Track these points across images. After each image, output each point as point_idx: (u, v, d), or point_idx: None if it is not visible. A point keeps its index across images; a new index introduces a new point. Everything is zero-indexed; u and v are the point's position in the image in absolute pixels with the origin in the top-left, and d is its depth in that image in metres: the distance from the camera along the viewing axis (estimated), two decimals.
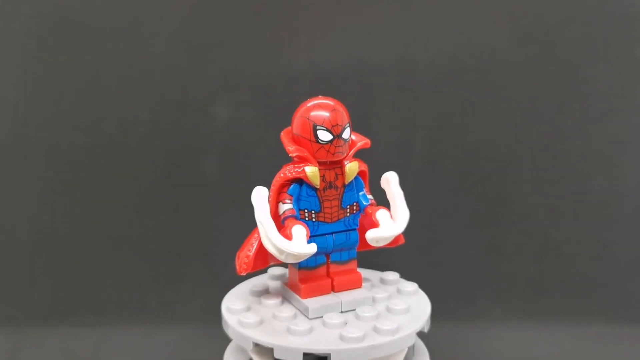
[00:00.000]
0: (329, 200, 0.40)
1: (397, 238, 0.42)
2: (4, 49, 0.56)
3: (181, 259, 0.59)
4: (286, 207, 0.39)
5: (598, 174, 0.58)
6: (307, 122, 0.39)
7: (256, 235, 0.40)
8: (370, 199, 0.42)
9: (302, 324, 0.38)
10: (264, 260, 0.42)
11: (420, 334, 0.42)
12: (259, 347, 0.39)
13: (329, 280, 0.42)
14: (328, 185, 0.40)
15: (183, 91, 0.57)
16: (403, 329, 0.39)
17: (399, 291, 0.44)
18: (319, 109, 0.39)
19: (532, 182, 0.59)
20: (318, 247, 0.39)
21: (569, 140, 0.58)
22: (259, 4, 0.56)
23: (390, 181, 0.42)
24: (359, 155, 0.42)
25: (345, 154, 0.40)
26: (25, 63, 0.56)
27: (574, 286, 0.59)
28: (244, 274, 0.40)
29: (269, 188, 0.39)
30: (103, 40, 0.56)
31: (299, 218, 0.39)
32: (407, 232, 0.43)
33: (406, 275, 0.47)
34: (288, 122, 0.41)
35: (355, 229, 0.42)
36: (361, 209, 0.42)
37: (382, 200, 0.43)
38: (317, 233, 0.40)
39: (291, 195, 0.40)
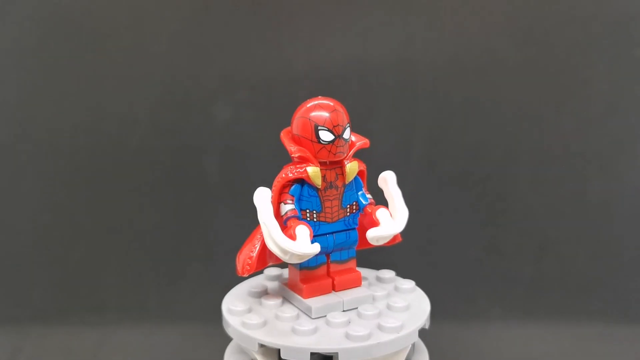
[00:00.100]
0: (330, 200, 0.41)
1: (395, 236, 0.42)
2: (4, 49, 0.56)
3: (182, 258, 0.59)
4: (288, 207, 0.39)
5: (597, 174, 0.58)
6: (309, 123, 0.39)
7: (258, 236, 0.40)
8: (370, 198, 0.42)
9: (306, 323, 0.39)
10: (264, 260, 0.42)
11: (420, 333, 0.42)
12: (264, 348, 0.39)
13: (330, 280, 0.42)
14: (329, 185, 0.40)
15: (183, 91, 0.57)
16: (407, 326, 0.39)
17: (396, 289, 0.45)
18: (320, 110, 0.39)
19: (531, 182, 0.59)
20: (320, 247, 0.39)
21: (569, 140, 0.58)
22: (259, 4, 0.56)
23: (387, 180, 0.43)
24: (358, 155, 0.42)
25: (345, 154, 0.41)
26: (26, 63, 0.57)
27: (574, 286, 0.59)
28: (246, 275, 0.40)
29: (269, 188, 0.39)
30: (103, 41, 0.56)
31: (300, 218, 0.40)
32: (406, 232, 0.43)
33: (406, 275, 0.47)
34: (288, 122, 0.41)
35: (354, 228, 0.42)
36: (360, 208, 0.42)
37: (380, 200, 0.43)
38: (318, 233, 0.40)
39: (293, 196, 0.40)
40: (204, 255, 0.59)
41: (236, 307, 0.41)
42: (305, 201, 0.40)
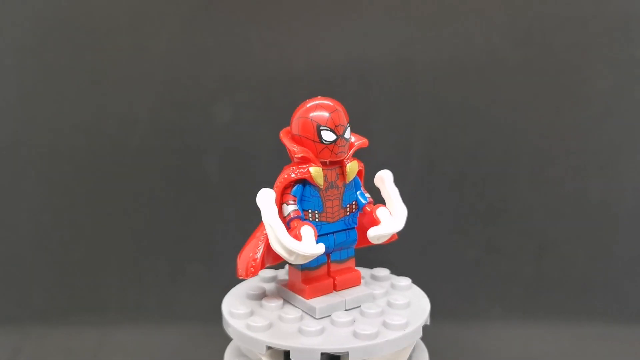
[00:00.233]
0: (331, 200, 0.41)
1: (392, 235, 0.43)
2: (5, 49, 0.56)
3: (182, 258, 0.59)
4: (291, 208, 0.39)
5: (597, 174, 0.58)
6: (311, 123, 0.39)
7: (262, 237, 0.40)
8: (368, 197, 0.42)
9: (313, 324, 0.39)
10: (265, 262, 0.42)
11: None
12: (271, 350, 0.38)
13: (331, 280, 0.42)
14: (330, 185, 0.40)
15: (184, 92, 0.57)
16: (412, 323, 0.40)
17: (393, 286, 0.45)
18: (322, 110, 0.39)
19: (531, 182, 0.59)
20: (324, 247, 0.39)
21: (568, 140, 0.58)
22: (259, 4, 0.56)
23: (384, 179, 0.43)
24: (355, 154, 0.42)
25: (346, 154, 0.41)
26: (26, 63, 0.57)
27: (573, 286, 0.59)
28: (250, 277, 0.40)
29: (270, 189, 0.39)
30: (104, 41, 0.56)
31: (303, 218, 0.40)
32: (406, 232, 0.43)
33: (406, 275, 0.47)
34: (288, 122, 0.41)
35: (354, 228, 0.42)
36: (360, 207, 0.42)
37: (377, 199, 0.43)
38: (320, 233, 0.40)
39: (295, 197, 0.40)
40: (204, 255, 0.59)
41: (238, 310, 0.41)
42: (307, 201, 0.40)
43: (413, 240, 0.57)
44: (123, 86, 0.57)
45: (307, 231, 0.38)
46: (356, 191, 0.42)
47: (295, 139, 0.40)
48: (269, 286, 0.45)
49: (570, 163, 0.58)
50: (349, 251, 0.43)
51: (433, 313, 0.42)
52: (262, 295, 0.43)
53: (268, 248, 0.39)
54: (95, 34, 0.56)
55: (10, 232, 0.59)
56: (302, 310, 0.41)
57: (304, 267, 0.41)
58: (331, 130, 0.39)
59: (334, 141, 0.39)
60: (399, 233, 0.42)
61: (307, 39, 0.56)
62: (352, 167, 0.41)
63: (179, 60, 0.57)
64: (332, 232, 0.41)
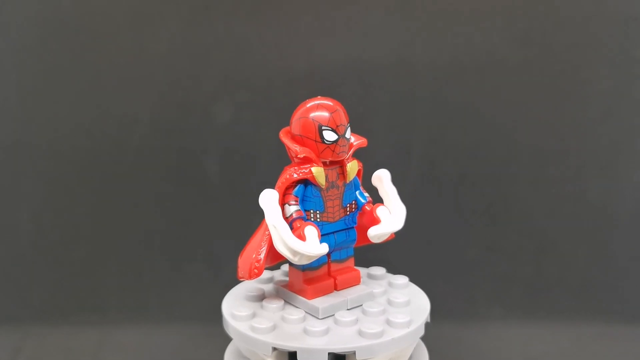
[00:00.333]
0: (332, 200, 0.41)
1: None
2: (5, 49, 0.56)
3: (182, 258, 0.59)
4: (293, 208, 0.39)
5: (596, 174, 0.58)
6: (312, 123, 0.39)
7: (265, 238, 0.40)
8: (368, 197, 0.43)
9: (318, 324, 0.39)
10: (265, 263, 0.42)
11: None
12: (276, 352, 0.38)
13: (332, 280, 0.42)
14: (330, 185, 0.41)
15: (184, 92, 0.57)
16: (415, 320, 0.40)
17: (391, 285, 0.45)
18: (323, 110, 0.39)
19: (530, 182, 0.59)
20: (328, 247, 0.39)
21: (568, 140, 0.58)
22: (259, 4, 0.56)
23: (382, 178, 0.43)
24: (355, 154, 0.42)
25: (347, 153, 0.41)
26: (26, 63, 0.57)
27: (573, 286, 0.60)
28: (254, 278, 0.40)
29: (271, 189, 0.39)
30: (104, 42, 0.56)
31: (305, 219, 0.40)
32: (406, 232, 0.43)
33: (407, 275, 0.47)
34: (288, 123, 0.41)
35: (353, 227, 0.42)
36: (359, 206, 0.42)
37: (376, 198, 0.43)
38: (322, 233, 0.40)
39: (297, 197, 0.40)
40: (204, 255, 0.59)
41: (240, 312, 0.40)
42: (309, 202, 0.40)
43: (413, 240, 0.57)
44: (123, 86, 0.57)
45: (311, 231, 0.38)
46: (355, 191, 0.42)
47: (296, 139, 0.40)
48: (268, 287, 0.45)
49: (570, 163, 0.58)
50: (349, 251, 0.43)
51: (433, 313, 0.42)
52: (262, 297, 0.43)
53: (270, 249, 0.39)
54: (96, 34, 0.56)
55: (10, 232, 0.59)
56: (305, 311, 0.41)
57: (305, 268, 0.41)
58: (333, 130, 0.39)
59: (336, 141, 0.39)
60: (398, 232, 0.42)
61: (307, 39, 0.56)
62: (352, 167, 0.41)
63: (179, 60, 0.57)
64: (333, 232, 0.41)
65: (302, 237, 0.38)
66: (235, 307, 0.41)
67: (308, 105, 0.40)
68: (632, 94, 0.57)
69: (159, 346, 0.56)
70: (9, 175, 0.58)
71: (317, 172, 0.39)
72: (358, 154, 0.42)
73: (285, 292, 0.43)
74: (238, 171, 0.58)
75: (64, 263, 0.59)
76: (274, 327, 0.39)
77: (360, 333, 0.38)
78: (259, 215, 0.41)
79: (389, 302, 0.42)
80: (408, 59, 0.57)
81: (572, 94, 0.57)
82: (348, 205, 0.42)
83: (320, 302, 0.40)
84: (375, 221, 0.41)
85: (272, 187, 0.40)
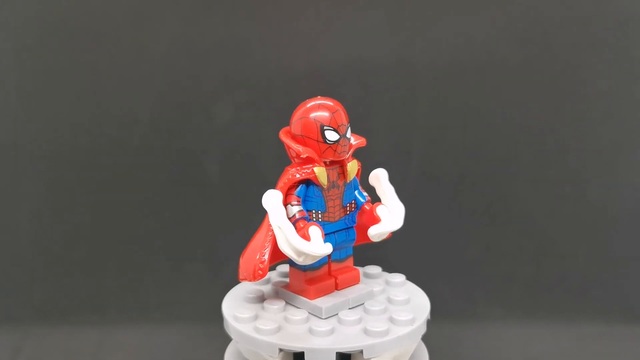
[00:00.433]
0: (333, 199, 0.41)
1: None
2: (4, 49, 0.56)
3: (182, 258, 0.59)
4: (296, 209, 0.39)
5: (596, 174, 0.59)
6: (314, 123, 0.39)
7: (268, 239, 0.39)
8: (366, 196, 0.43)
9: (323, 324, 0.39)
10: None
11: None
12: (282, 353, 0.38)
13: (333, 279, 0.42)
14: (331, 184, 0.41)
15: (184, 92, 0.57)
16: (418, 318, 0.40)
17: (388, 283, 0.45)
18: (324, 110, 0.40)
19: (530, 182, 0.59)
20: (332, 247, 0.39)
21: (568, 140, 0.58)
22: (259, 4, 0.56)
23: (380, 178, 0.43)
24: (355, 154, 0.42)
25: (347, 153, 0.41)
26: (26, 63, 0.57)
27: (573, 285, 0.60)
28: (258, 280, 0.40)
29: (273, 189, 0.39)
30: (104, 42, 0.56)
31: (308, 219, 0.40)
32: (406, 232, 0.43)
33: (406, 275, 0.47)
34: (288, 123, 0.41)
35: (353, 227, 0.42)
36: (358, 206, 0.42)
37: (374, 198, 0.43)
38: (324, 233, 0.41)
39: (299, 197, 0.40)
40: (204, 255, 0.59)
41: (242, 314, 0.40)
42: (311, 202, 0.40)
43: (413, 240, 0.57)
44: (123, 86, 0.57)
45: (315, 231, 0.38)
46: (354, 190, 0.42)
47: (297, 139, 0.40)
48: (266, 288, 0.45)
49: (570, 163, 0.58)
50: (348, 250, 0.43)
51: (433, 313, 0.42)
52: (262, 298, 0.43)
53: (274, 250, 0.39)
54: (96, 34, 0.56)
55: (10, 232, 0.59)
56: (307, 311, 0.41)
57: (306, 268, 0.41)
58: (334, 130, 0.39)
59: (337, 141, 0.39)
60: (398, 232, 0.42)
61: (307, 39, 0.56)
62: (353, 167, 0.41)
63: (179, 60, 0.57)
64: (334, 232, 0.41)
65: (306, 238, 0.38)
66: (236, 309, 0.41)
67: (309, 105, 0.40)
68: (632, 94, 0.57)
69: (159, 346, 0.56)
70: (8, 175, 0.58)
71: (320, 172, 0.39)
72: (357, 154, 0.42)
73: (286, 292, 0.42)
74: (238, 171, 0.58)
75: (64, 263, 0.59)
76: (279, 329, 0.39)
77: (366, 332, 0.38)
78: (259, 215, 0.41)
79: (389, 301, 0.43)
80: (408, 59, 0.57)
81: (572, 94, 0.57)
82: (348, 204, 0.42)
83: (323, 302, 0.40)
84: (376, 220, 0.41)
85: (273, 187, 0.40)
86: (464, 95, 0.57)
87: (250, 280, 0.39)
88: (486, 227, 0.59)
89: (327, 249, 0.38)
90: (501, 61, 0.57)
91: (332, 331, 0.38)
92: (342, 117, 0.40)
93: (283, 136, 0.41)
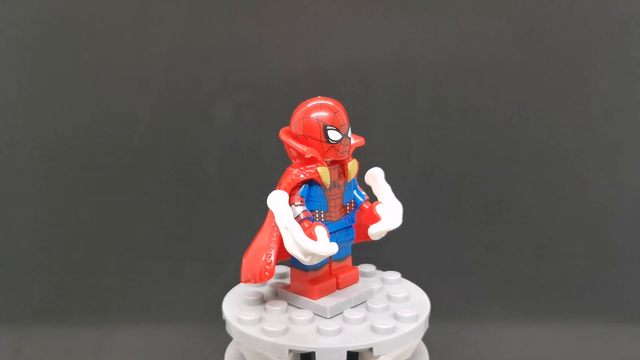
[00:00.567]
0: (334, 199, 0.41)
1: None
2: (5, 49, 0.56)
3: (182, 258, 0.59)
4: (300, 209, 0.39)
5: (596, 174, 0.58)
6: (317, 123, 0.39)
7: (274, 239, 0.39)
8: (365, 195, 0.43)
9: (331, 324, 0.39)
10: None
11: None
12: (291, 354, 0.38)
13: (334, 279, 0.42)
14: (333, 184, 0.41)
15: (184, 92, 0.57)
16: (421, 314, 0.41)
17: (384, 281, 0.46)
18: (326, 110, 0.40)
19: (530, 182, 0.59)
20: (337, 246, 0.39)
21: (568, 140, 0.58)
22: (259, 4, 0.56)
23: (377, 177, 0.43)
24: (354, 154, 0.42)
25: (348, 153, 0.41)
26: (26, 63, 0.57)
27: (573, 285, 0.60)
28: (265, 281, 0.39)
29: (271, 191, 0.39)
30: (104, 42, 0.56)
31: (312, 219, 0.40)
32: (406, 232, 0.43)
33: (406, 275, 0.47)
34: (288, 123, 0.41)
35: (352, 226, 0.43)
36: (357, 205, 0.42)
37: (370, 196, 0.43)
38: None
39: (303, 197, 0.40)
40: (204, 255, 0.59)
41: (247, 316, 0.40)
42: (314, 202, 0.40)
43: (413, 240, 0.57)
44: (123, 86, 0.57)
45: (322, 231, 0.38)
46: (353, 189, 0.43)
47: (299, 139, 0.40)
48: (264, 290, 0.44)
49: (570, 163, 0.58)
50: (347, 249, 0.43)
51: (433, 313, 0.42)
52: (262, 300, 0.43)
53: (279, 250, 0.39)
54: (96, 34, 0.56)
55: (10, 232, 0.59)
56: (311, 311, 0.41)
57: (309, 268, 0.41)
58: (337, 130, 0.39)
59: (340, 140, 0.40)
60: (397, 231, 0.42)
61: (307, 39, 0.56)
62: (353, 166, 0.42)
63: (179, 60, 0.57)
64: (334, 231, 0.41)
65: (313, 237, 0.38)
66: (239, 312, 0.41)
67: (310, 105, 0.40)
68: (632, 94, 0.57)
69: (159, 346, 0.56)
70: (8, 175, 0.58)
71: (323, 171, 0.40)
72: (357, 154, 0.42)
73: (287, 293, 0.42)
74: (238, 171, 0.58)
75: (64, 263, 0.59)
76: (287, 330, 0.39)
77: (374, 329, 0.39)
78: (259, 215, 0.41)
79: (389, 298, 0.43)
80: (408, 59, 0.57)
81: (572, 94, 0.57)
82: (348, 204, 0.42)
83: (327, 302, 0.41)
84: (375, 219, 0.41)
85: (273, 187, 0.40)
86: (464, 95, 0.57)
87: (255, 282, 0.39)
88: (486, 227, 0.59)
89: (334, 248, 0.38)
90: (501, 61, 0.57)
91: (340, 330, 0.39)
92: (343, 117, 0.40)
93: (284, 136, 0.41)
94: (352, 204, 0.42)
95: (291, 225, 0.38)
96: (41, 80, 0.57)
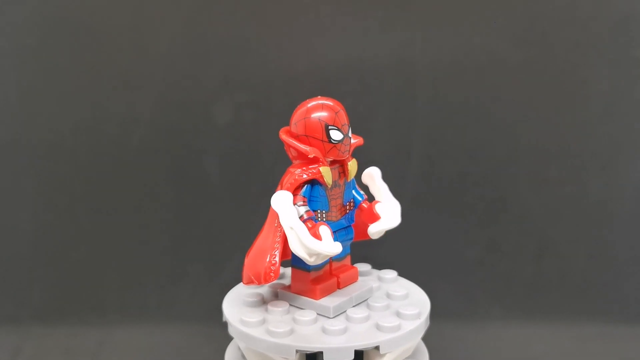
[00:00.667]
0: (335, 199, 0.41)
1: None
2: (5, 49, 0.56)
3: (182, 258, 0.59)
4: (303, 209, 0.39)
5: (596, 174, 0.58)
6: (319, 123, 0.39)
7: (277, 240, 0.39)
8: (364, 194, 0.43)
9: (336, 323, 0.39)
10: None
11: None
12: (298, 354, 0.38)
13: (335, 278, 0.42)
14: (334, 184, 0.41)
15: (184, 92, 0.57)
16: (423, 312, 0.41)
17: (381, 279, 0.46)
18: (327, 109, 0.40)
19: (530, 182, 0.59)
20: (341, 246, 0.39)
21: (567, 140, 0.58)
22: (259, 4, 0.56)
23: (374, 176, 0.43)
24: (353, 154, 0.42)
25: (349, 152, 0.41)
26: (26, 63, 0.57)
27: (573, 285, 0.60)
28: (269, 282, 0.39)
29: (272, 191, 0.39)
30: (104, 41, 0.56)
31: (315, 219, 0.40)
32: (406, 232, 0.43)
33: (406, 275, 0.47)
34: (288, 123, 0.41)
35: (351, 225, 0.43)
36: (356, 204, 0.43)
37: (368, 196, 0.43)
38: None
39: (305, 197, 0.40)
40: (204, 255, 0.59)
41: (250, 318, 0.40)
42: (316, 202, 0.40)
43: (413, 240, 0.57)
44: (123, 86, 0.57)
45: (326, 231, 0.38)
46: (352, 189, 0.43)
47: (300, 139, 0.40)
48: (263, 290, 0.44)
49: (570, 163, 0.58)
50: (346, 248, 0.43)
51: (432, 313, 0.42)
52: (262, 301, 0.43)
53: (284, 251, 0.39)
54: (96, 33, 0.56)
55: (11, 231, 0.59)
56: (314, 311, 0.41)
57: (312, 268, 0.41)
58: (338, 130, 0.39)
59: (341, 140, 0.40)
60: (397, 231, 0.42)
61: (307, 39, 0.56)
62: (353, 166, 0.42)
63: (179, 60, 0.57)
64: (335, 231, 0.41)
65: (317, 237, 0.38)
66: (241, 313, 0.41)
67: (311, 105, 0.40)
68: (632, 94, 0.57)
69: (159, 346, 0.56)
70: (9, 175, 0.58)
71: (325, 171, 0.40)
72: (356, 154, 0.42)
73: (287, 294, 0.42)
74: (238, 171, 0.58)
75: (64, 263, 0.59)
76: (292, 331, 0.39)
77: (379, 327, 0.39)
78: (259, 215, 0.41)
79: (389, 296, 0.43)
80: (408, 59, 0.57)
81: (572, 94, 0.57)
82: (347, 203, 0.42)
83: (329, 302, 0.41)
84: (375, 218, 0.41)
85: (273, 187, 0.40)
86: (464, 95, 0.57)
87: (259, 284, 0.39)
88: (486, 227, 0.59)
89: (339, 247, 0.38)
90: (501, 61, 0.57)
91: (345, 329, 0.39)
92: (344, 117, 0.40)
93: (285, 136, 0.41)
94: (352, 204, 0.42)
95: (296, 226, 0.38)
96: (41, 80, 0.57)
